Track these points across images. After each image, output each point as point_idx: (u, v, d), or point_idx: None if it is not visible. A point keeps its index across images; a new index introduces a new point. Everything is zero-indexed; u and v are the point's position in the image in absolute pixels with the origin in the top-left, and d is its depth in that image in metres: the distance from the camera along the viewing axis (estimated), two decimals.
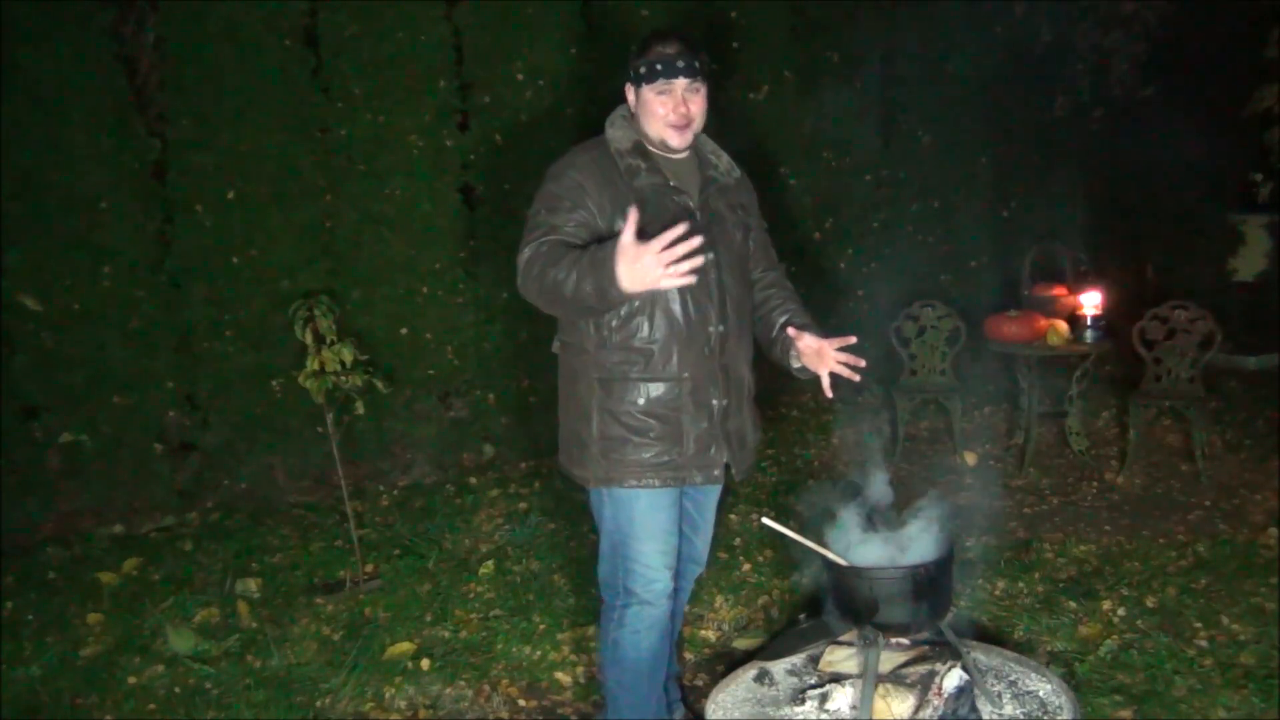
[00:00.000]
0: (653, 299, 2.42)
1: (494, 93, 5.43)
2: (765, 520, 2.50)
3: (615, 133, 2.53)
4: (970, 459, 5.20)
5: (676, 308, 2.45)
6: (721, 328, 2.52)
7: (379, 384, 4.11)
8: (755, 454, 2.73)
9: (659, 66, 2.41)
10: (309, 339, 3.90)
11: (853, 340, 2.49)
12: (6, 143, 4.63)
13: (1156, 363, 4.99)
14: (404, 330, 5.43)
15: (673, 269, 2.10)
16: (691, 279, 2.15)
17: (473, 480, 5.35)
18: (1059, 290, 5.25)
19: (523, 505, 4.93)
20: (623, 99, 2.56)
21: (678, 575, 2.71)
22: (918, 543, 2.56)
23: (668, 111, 2.45)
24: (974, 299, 5.92)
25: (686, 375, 2.48)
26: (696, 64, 2.42)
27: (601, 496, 2.57)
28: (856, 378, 2.50)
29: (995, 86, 6.60)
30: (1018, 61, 6.77)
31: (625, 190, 2.43)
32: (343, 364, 3.94)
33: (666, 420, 2.49)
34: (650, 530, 2.55)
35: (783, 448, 5.52)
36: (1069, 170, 6.96)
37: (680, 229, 2.11)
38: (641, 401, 2.48)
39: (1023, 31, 6.87)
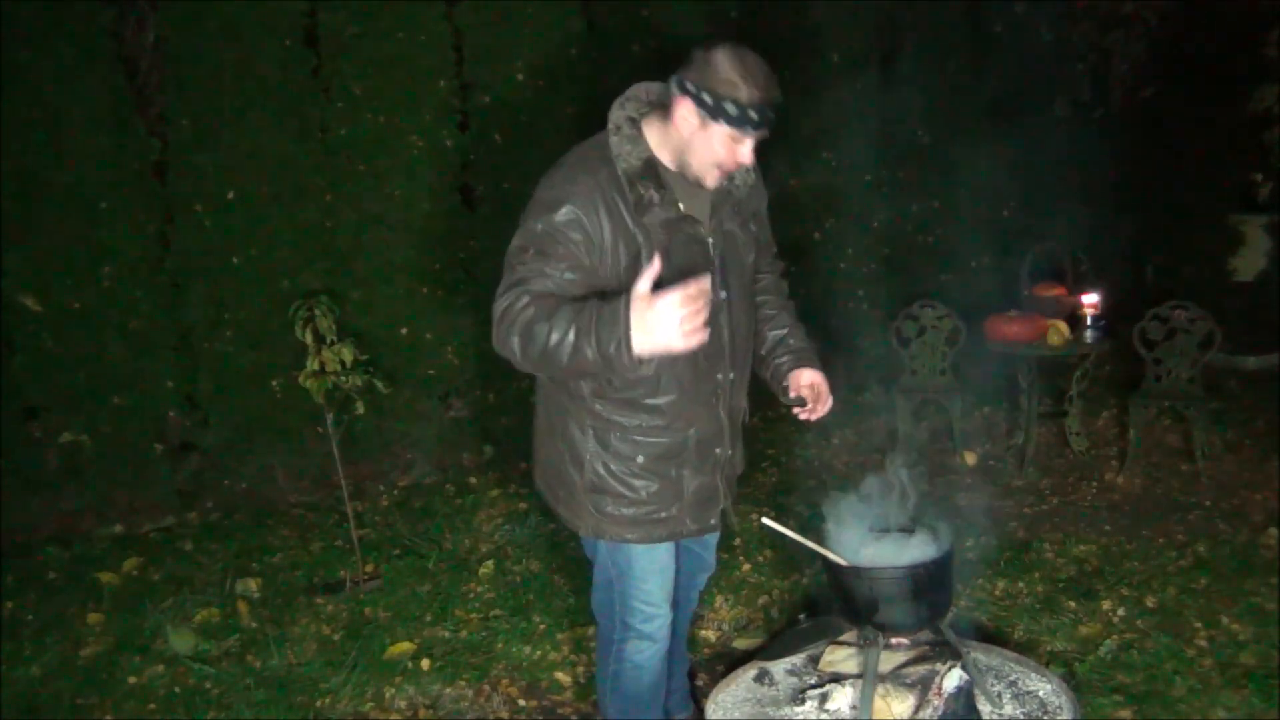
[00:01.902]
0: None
1: (494, 93, 5.43)
2: (765, 520, 2.49)
3: (624, 148, 2.13)
4: (970, 459, 5.20)
5: (688, 358, 2.17)
6: (731, 374, 2.33)
7: (379, 384, 4.11)
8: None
9: (754, 115, 2.02)
10: (309, 339, 3.90)
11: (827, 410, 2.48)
12: (6, 143, 4.63)
13: (1156, 363, 4.99)
14: (404, 330, 5.43)
15: (691, 329, 1.86)
16: (706, 335, 1.90)
17: (473, 480, 5.35)
18: (1059, 290, 5.24)
19: (523, 505, 4.93)
20: (619, 91, 2.21)
21: (688, 587, 2.68)
22: (917, 542, 2.55)
23: (728, 158, 2.11)
24: (974, 299, 5.92)
25: (693, 430, 2.30)
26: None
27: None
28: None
29: (995, 86, 6.60)
30: (1018, 61, 6.77)
31: (633, 225, 2.10)
32: (343, 364, 3.94)
33: (666, 476, 2.31)
34: (649, 569, 2.42)
35: (783, 448, 5.52)
36: (1069, 170, 6.96)
37: (704, 282, 1.88)
38: (642, 459, 2.28)
39: (1023, 31, 6.88)
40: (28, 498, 4.87)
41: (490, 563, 4.27)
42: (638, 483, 2.30)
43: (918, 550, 2.50)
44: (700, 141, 2.09)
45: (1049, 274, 5.63)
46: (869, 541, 2.57)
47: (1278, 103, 6.69)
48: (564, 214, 2.06)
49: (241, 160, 5.03)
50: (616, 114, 2.19)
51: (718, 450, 2.38)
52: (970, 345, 5.25)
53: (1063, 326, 4.90)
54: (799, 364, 2.48)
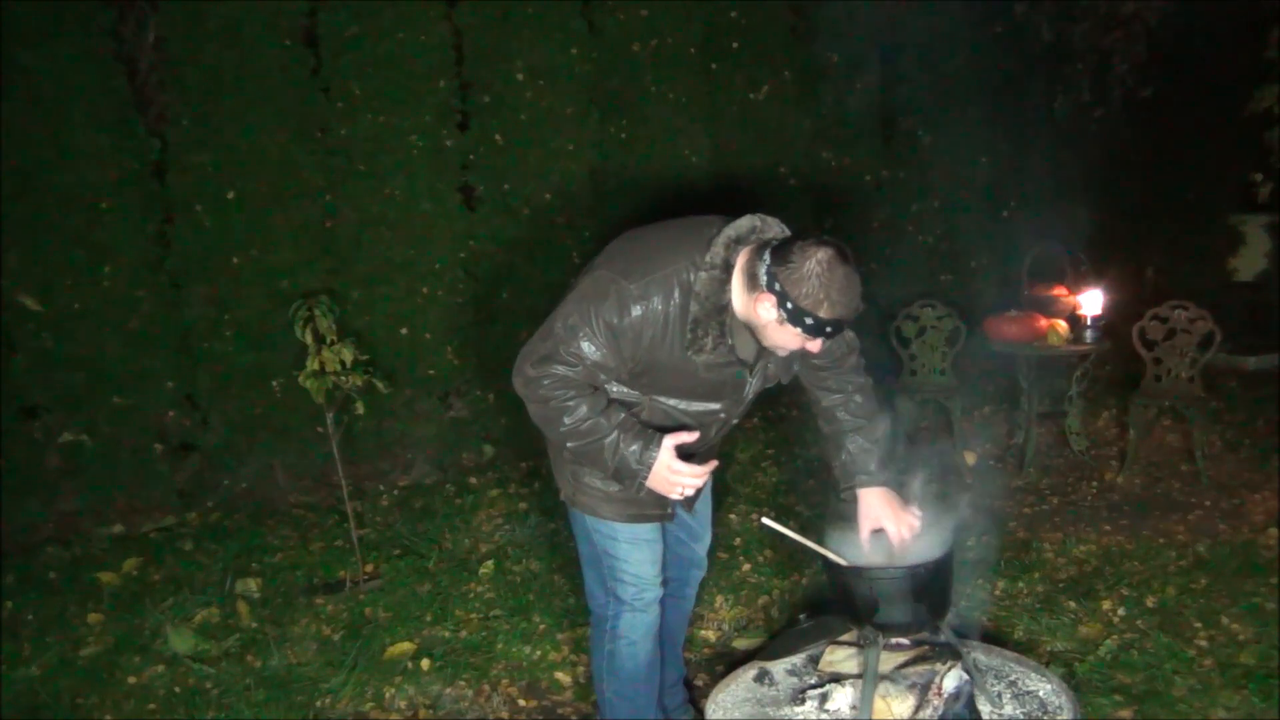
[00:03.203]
0: (655, 421, 2.34)
1: (494, 93, 5.43)
2: (765, 520, 2.49)
3: (709, 289, 2.17)
4: (970, 459, 5.20)
5: (678, 429, 2.33)
6: (711, 446, 2.49)
7: (379, 384, 4.11)
8: None
9: (829, 330, 2.15)
10: (309, 339, 3.90)
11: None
12: (6, 143, 4.63)
13: (1156, 363, 4.99)
14: (404, 330, 5.43)
15: (686, 491, 2.26)
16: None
17: (473, 480, 5.35)
18: (1059, 290, 5.24)
19: (523, 505, 4.93)
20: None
21: (681, 582, 2.69)
22: (917, 542, 2.55)
23: (796, 348, 2.22)
24: (974, 299, 5.92)
25: None
26: None
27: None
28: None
29: (995, 86, 6.60)
30: (1018, 61, 6.77)
31: (679, 357, 2.21)
32: (343, 364, 3.94)
33: None
34: (635, 539, 2.47)
35: (782, 448, 5.52)
36: (1069, 170, 6.95)
37: (713, 465, 2.30)
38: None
39: (1023, 31, 6.88)
40: (28, 498, 4.86)
41: (490, 563, 4.27)
42: None
43: (918, 550, 2.51)
44: (774, 331, 2.18)
45: (1049, 274, 5.63)
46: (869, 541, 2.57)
47: (1278, 103, 6.68)
48: (627, 323, 2.18)
49: (241, 160, 5.03)
50: (719, 252, 2.18)
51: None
52: (970, 345, 5.25)
53: (1062, 326, 4.90)
54: (864, 487, 2.54)
